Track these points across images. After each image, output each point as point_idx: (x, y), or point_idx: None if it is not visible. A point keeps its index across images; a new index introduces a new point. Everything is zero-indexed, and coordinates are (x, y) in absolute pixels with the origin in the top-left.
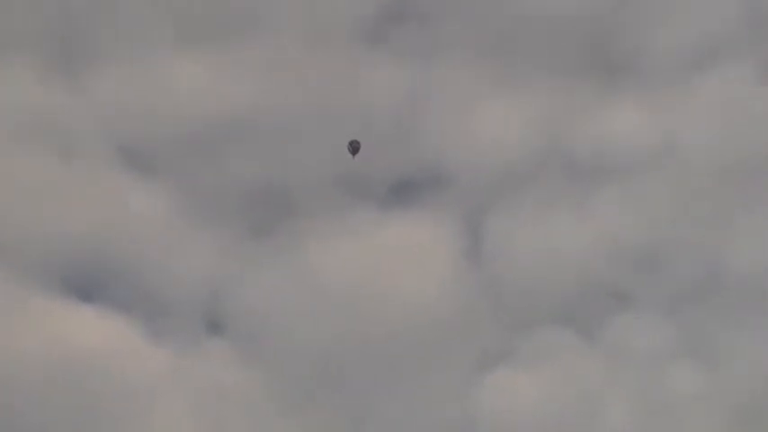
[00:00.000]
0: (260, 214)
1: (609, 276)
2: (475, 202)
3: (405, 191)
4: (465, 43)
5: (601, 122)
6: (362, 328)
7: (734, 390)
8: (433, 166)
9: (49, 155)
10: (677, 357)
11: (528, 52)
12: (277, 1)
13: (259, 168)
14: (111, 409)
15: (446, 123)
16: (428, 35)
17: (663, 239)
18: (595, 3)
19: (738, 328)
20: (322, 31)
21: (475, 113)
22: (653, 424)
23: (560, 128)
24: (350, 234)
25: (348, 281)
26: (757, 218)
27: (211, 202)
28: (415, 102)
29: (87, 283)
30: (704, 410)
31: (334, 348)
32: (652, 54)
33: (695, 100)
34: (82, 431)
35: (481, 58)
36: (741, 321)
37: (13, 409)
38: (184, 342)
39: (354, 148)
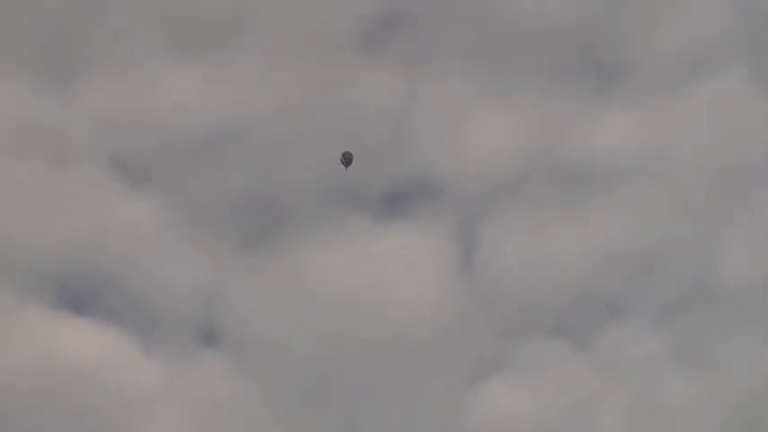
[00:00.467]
0: (253, 224)
1: (602, 285)
2: (468, 212)
3: (398, 201)
4: (456, 53)
5: (593, 131)
6: (356, 339)
7: (727, 398)
8: (425, 176)
9: (41, 164)
10: (670, 366)
11: (520, 61)
12: (269, 10)
13: (252, 178)
14: (105, 421)
15: (438, 133)
16: (420, 45)
17: (655, 248)
18: (587, 10)
19: (731, 337)
20: (315, 41)
21: (467, 123)
22: None
23: (553, 136)
24: (343, 244)
25: (341, 291)
26: (750, 226)
27: (205, 213)
28: (408, 112)
29: (80, 295)
30: (698, 419)
31: (327, 359)
32: (644, 61)
33: (687, 108)
34: None
35: (473, 68)
36: (734, 330)
37: (5, 421)
38: (178, 353)
39: (347, 159)
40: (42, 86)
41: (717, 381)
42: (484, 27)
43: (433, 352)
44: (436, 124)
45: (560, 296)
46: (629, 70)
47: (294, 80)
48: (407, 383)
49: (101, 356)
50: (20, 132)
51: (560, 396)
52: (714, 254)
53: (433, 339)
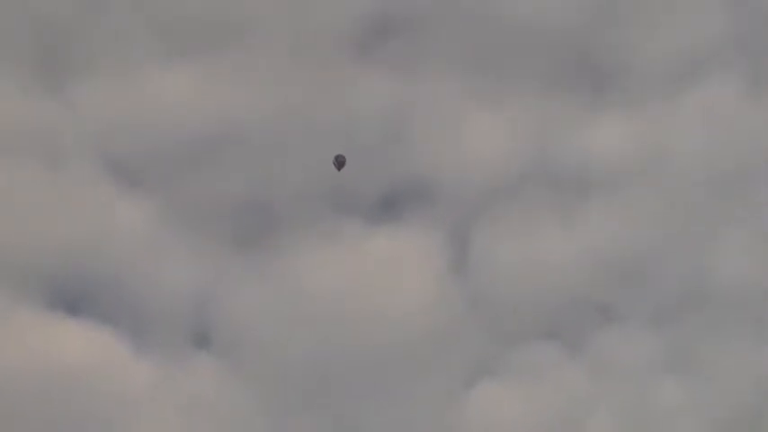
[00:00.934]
0: (246, 227)
1: (595, 290)
2: (462, 215)
3: (392, 203)
4: (451, 56)
5: (587, 136)
6: (349, 342)
7: (719, 403)
8: (419, 179)
9: (36, 166)
10: (663, 371)
11: (515, 65)
12: (263, 14)
13: (246, 181)
14: (97, 421)
15: (432, 136)
16: (414, 49)
17: (648, 253)
18: (581, 16)
19: (724, 342)
20: (309, 45)
21: (461, 126)
22: None
23: (546, 141)
24: (336, 247)
25: (334, 294)
26: (743, 231)
27: (198, 215)
28: (402, 115)
29: (73, 297)
30: (690, 424)
31: (320, 361)
32: (638, 67)
33: (681, 113)
34: None
35: (468, 72)
36: (727, 335)
37: None
38: (171, 355)
39: (340, 162)
40: (38, 88)
41: (710, 385)
42: (480, 31)
43: (426, 355)
44: (431, 127)
45: (554, 300)
46: (624, 75)
47: (290, 82)
48: (400, 387)
49: (94, 358)
50: (15, 133)
51: (554, 399)
52: (707, 259)
53: (427, 342)
